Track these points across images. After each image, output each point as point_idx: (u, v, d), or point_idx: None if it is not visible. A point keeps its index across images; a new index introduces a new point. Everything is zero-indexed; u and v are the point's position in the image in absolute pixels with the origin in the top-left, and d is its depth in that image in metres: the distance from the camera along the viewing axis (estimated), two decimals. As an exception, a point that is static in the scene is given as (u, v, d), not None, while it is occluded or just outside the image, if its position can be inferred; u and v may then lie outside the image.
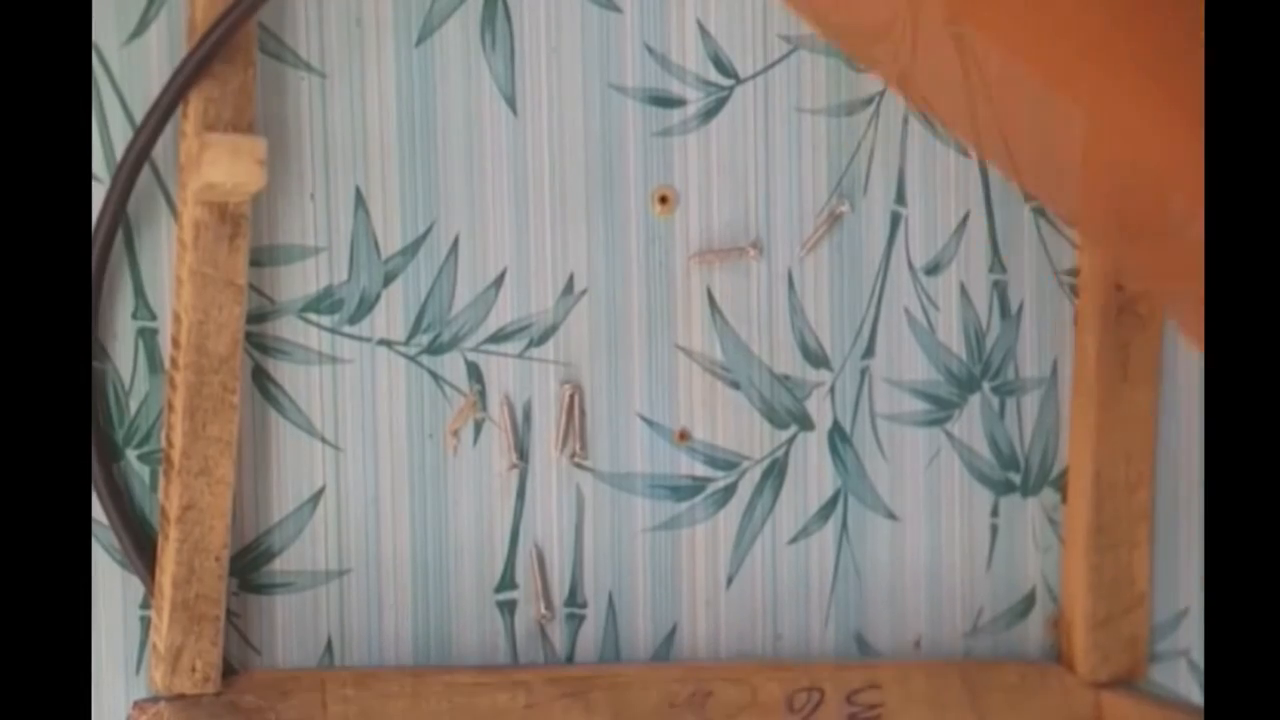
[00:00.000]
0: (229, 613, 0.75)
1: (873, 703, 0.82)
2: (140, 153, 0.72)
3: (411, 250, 0.78)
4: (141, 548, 0.74)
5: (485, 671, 0.78)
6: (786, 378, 0.83)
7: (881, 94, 0.83)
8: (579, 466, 0.80)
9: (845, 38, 0.78)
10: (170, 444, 0.73)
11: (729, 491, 0.83)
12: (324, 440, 0.77)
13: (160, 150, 0.74)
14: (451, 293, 0.79)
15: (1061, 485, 0.87)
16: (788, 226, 0.82)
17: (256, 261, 0.75)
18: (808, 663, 0.83)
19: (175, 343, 0.72)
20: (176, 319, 0.72)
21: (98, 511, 0.74)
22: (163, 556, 0.73)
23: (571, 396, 0.80)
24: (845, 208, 0.83)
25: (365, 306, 0.77)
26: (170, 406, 0.73)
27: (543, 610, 0.80)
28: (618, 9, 0.80)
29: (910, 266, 0.84)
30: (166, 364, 0.74)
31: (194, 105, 0.71)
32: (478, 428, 0.79)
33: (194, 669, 0.73)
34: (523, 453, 0.80)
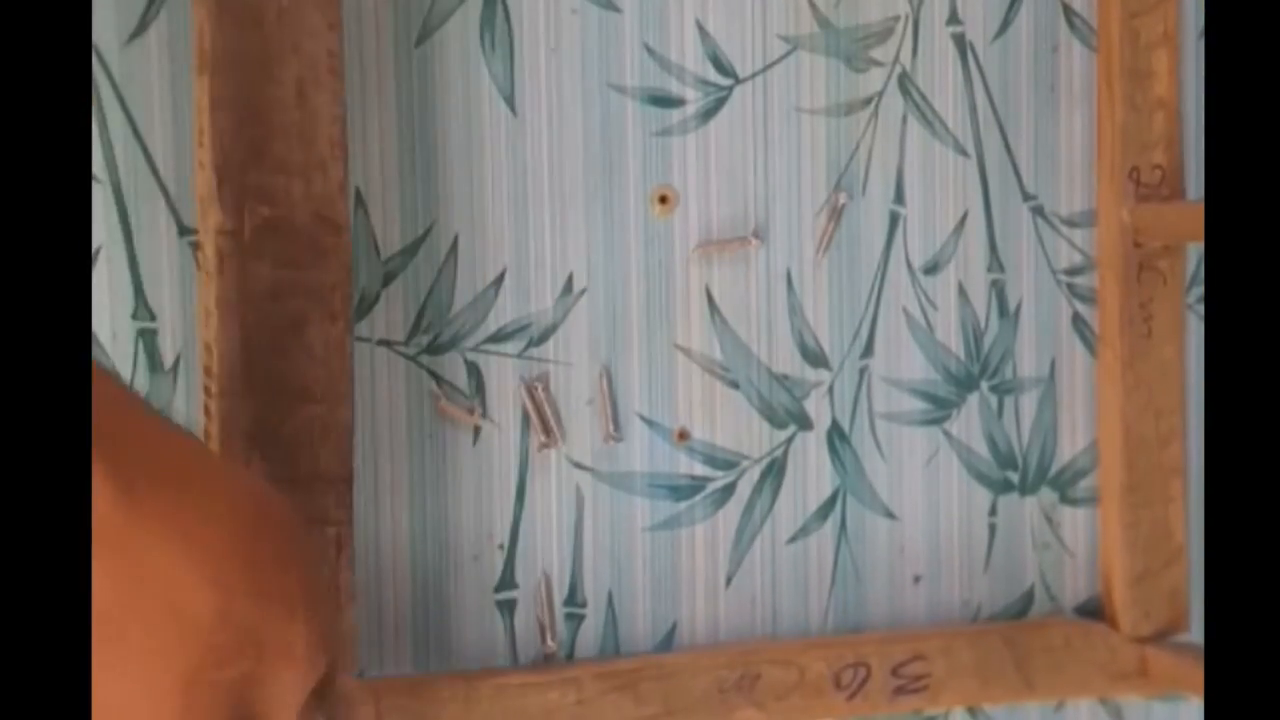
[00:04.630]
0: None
1: (919, 674, 0.82)
2: None
3: (411, 250, 0.78)
4: None
5: (534, 671, 0.79)
6: (785, 377, 0.83)
7: (880, 94, 0.83)
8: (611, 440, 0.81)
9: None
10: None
11: (728, 491, 0.83)
12: (324, 440, 0.77)
13: (160, 151, 0.74)
14: (451, 293, 0.79)
15: (1059, 484, 0.87)
16: (787, 226, 0.83)
17: (256, 262, 0.76)
18: (855, 636, 0.83)
19: (208, 372, 0.72)
20: (208, 349, 0.72)
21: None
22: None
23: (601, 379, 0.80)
24: (844, 198, 0.83)
25: (365, 306, 0.78)
26: (207, 435, 0.73)
27: (549, 643, 0.80)
28: (617, 9, 0.80)
29: (909, 266, 0.84)
30: (167, 363, 0.74)
31: (210, 137, 0.71)
32: (476, 429, 0.79)
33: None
34: (550, 432, 0.80)
